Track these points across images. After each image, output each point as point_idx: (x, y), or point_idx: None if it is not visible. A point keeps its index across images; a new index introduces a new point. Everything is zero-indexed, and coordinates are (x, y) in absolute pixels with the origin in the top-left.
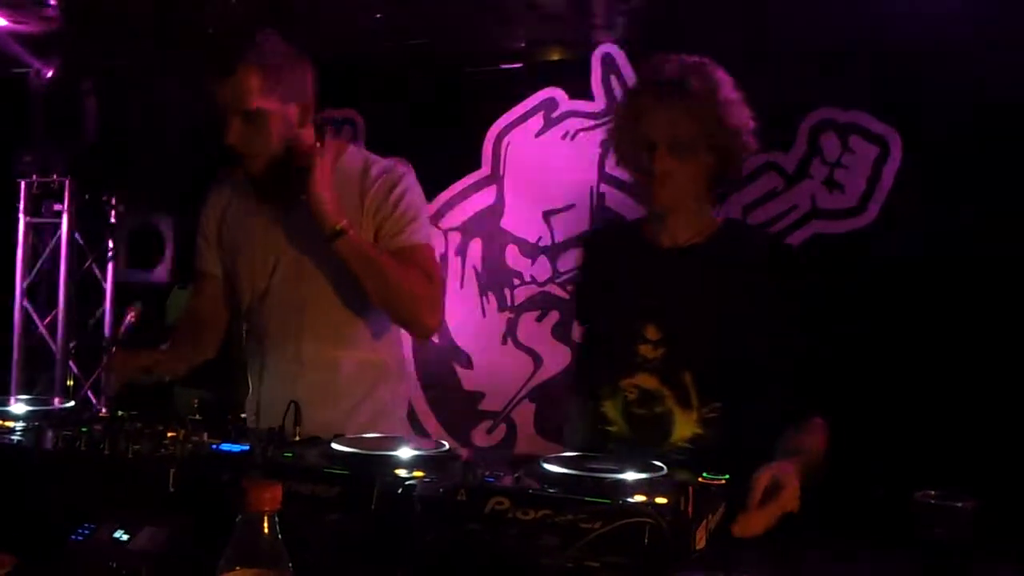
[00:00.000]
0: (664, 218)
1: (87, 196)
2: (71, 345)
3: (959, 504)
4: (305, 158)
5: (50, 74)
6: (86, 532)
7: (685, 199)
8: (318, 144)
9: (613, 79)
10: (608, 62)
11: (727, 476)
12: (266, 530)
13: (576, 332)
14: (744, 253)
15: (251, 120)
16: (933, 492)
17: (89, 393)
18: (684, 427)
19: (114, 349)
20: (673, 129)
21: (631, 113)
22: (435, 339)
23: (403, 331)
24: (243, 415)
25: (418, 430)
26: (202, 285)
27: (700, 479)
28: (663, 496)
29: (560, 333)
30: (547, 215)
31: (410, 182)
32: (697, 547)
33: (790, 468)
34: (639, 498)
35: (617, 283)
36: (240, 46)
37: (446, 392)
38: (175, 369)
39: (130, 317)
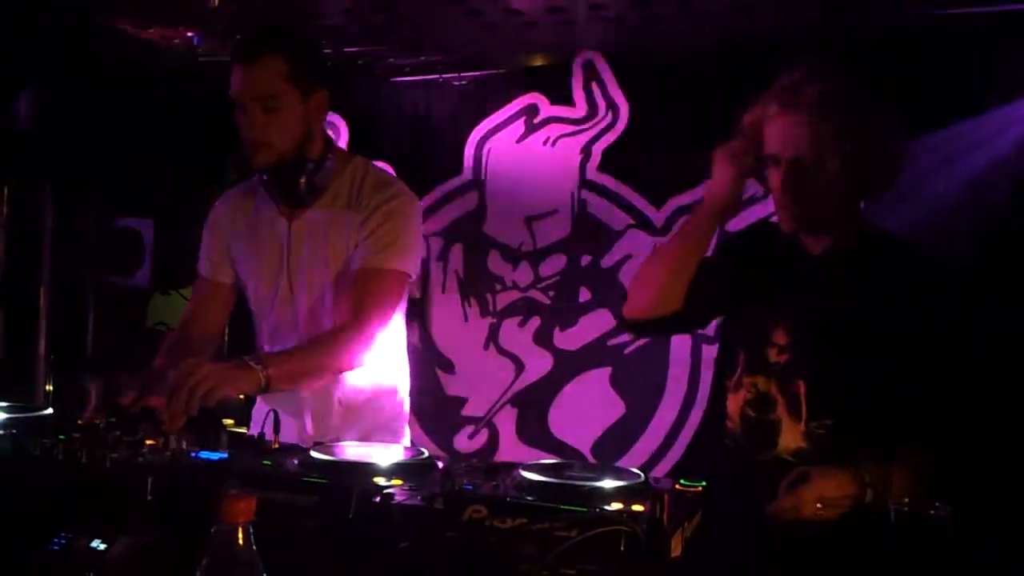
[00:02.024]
0: (791, 231)
1: (66, 201)
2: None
3: (934, 511)
4: (313, 163)
5: None
6: (63, 541)
7: (818, 212)
8: (328, 155)
9: (594, 85)
10: (589, 68)
11: (703, 483)
12: (241, 541)
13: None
14: (888, 267)
15: (271, 108)
16: (907, 499)
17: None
18: (790, 438)
19: (91, 386)
20: (794, 143)
21: (750, 127)
22: (418, 344)
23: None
24: (227, 420)
25: None
26: (204, 290)
27: (677, 486)
28: (639, 504)
29: (542, 338)
30: (529, 220)
31: (401, 205)
32: (673, 555)
33: (835, 471)
34: (616, 506)
35: (758, 280)
36: (266, 35)
37: (428, 397)
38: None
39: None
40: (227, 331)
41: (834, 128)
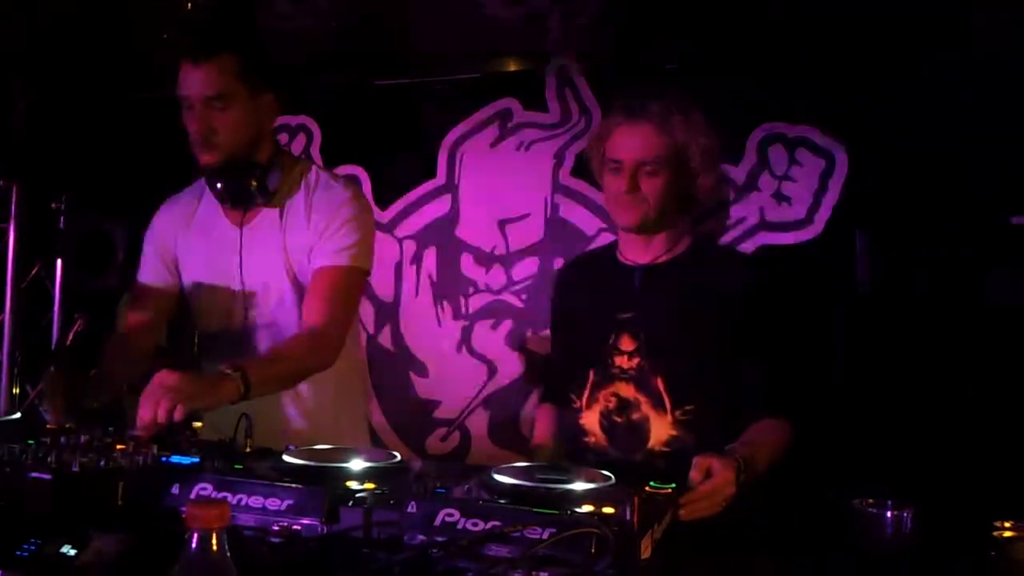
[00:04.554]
0: (636, 236)
1: (34, 201)
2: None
3: (897, 510)
4: (262, 166)
5: None
6: (32, 547)
7: (654, 217)
8: (277, 159)
9: (567, 91)
10: (563, 74)
11: (674, 485)
12: (215, 547)
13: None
14: (712, 269)
15: (219, 108)
16: (871, 499)
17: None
18: (660, 431)
19: (52, 369)
20: (640, 150)
21: (600, 133)
22: (390, 347)
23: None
24: (196, 424)
25: (372, 438)
26: (146, 297)
27: (647, 488)
28: (610, 506)
29: (514, 341)
30: (502, 224)
31: (355, 206)
32: (643, 556)
33: (727, 457)
34: (587, 508)
35: (592, 301)
36: (216, 34)
37: (400, 400)
38: (111, 391)
39: (77, 327)
40: (196, 338)
41: (670, 141)
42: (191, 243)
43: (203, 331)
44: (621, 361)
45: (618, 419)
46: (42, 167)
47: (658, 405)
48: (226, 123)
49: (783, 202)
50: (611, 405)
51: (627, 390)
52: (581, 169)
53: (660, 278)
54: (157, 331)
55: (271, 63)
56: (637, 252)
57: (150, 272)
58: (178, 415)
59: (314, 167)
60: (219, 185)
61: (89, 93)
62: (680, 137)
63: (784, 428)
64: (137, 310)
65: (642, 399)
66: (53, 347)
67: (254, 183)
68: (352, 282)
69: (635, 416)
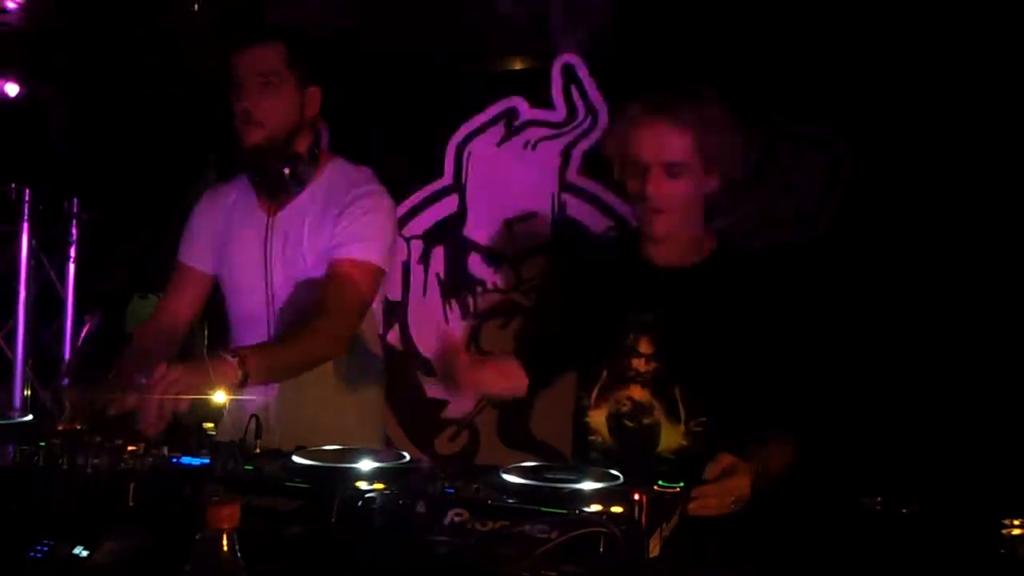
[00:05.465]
0: (660, 239)
1: (46, 204)
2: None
3: (904, 510)
4: (299, 155)
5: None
6: (44, 549)
7: (682, 222)
8: (314, 151)
9: (574, 89)
10: (569, 72)
11: (681, 484)
12: (225, 548)
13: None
14: (738, 276)
15: (269, 85)
16: (879, 498)
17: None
18: (670, 439)
19: (66, 383)
20: (666, 149)
21: (620, 132)
22: (398, 346)
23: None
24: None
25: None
26: (181, 277)
27: (655, 487)
28: (618, 506)
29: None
30: (509, 223)
31: (378, 202)
32: (651, 555)
33: (750, 463)
34: (595, 508)
35: (610, 299)
36: (267, 25)
37: (408, 400)
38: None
39: (88, 330)
40: (206, 331)
41: (696, 140)
42: (225, 227)
43: (232, 319)
44: (638, 364)
45: (629, 423)
46: (53, 169)
47: (671, 413)
48: (272, 103)
49: (789, 199)
50: (624, 408)
51: (641, 394)
52: (589, 167)
53: (686, 282)
54: (190, 314)
55: (317, 60)
56: (661, 253)
57: (189, 252)
58: (181, 406)
59: (343, 162)
60: (255, 170)
61: (98, 92)
62: (706, 134)
63: (793, 444)
64: (172, 291)
65: (656, 404)
66: (66, 359)
67: (288, 171)
68: (364, 273)
69: (646, 421)
